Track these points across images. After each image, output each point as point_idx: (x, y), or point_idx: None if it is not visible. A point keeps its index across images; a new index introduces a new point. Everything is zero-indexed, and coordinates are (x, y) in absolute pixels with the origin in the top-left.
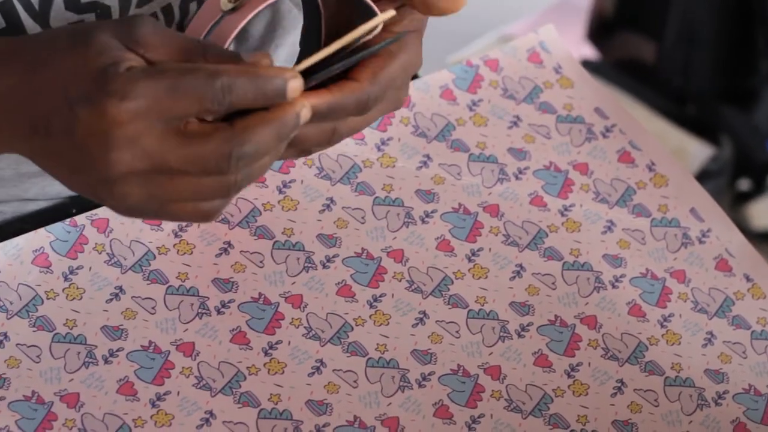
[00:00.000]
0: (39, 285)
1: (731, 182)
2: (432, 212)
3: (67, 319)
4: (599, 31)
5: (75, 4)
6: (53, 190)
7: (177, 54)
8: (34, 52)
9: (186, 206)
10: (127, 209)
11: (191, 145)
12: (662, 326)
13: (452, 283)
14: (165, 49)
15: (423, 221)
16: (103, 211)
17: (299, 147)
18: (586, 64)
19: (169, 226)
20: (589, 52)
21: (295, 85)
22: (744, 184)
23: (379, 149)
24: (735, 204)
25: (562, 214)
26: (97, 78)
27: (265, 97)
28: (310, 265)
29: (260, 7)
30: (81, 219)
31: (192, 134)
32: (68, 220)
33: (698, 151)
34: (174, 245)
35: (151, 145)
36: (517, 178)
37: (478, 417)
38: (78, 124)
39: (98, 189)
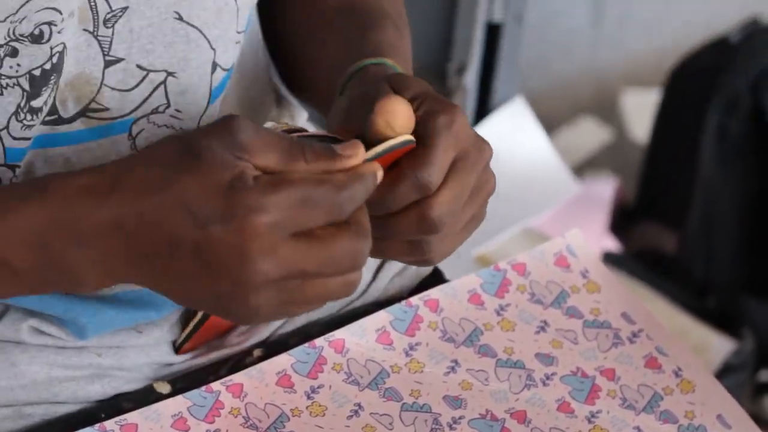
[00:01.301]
0: None
1: (752, 374)
2: (459, 418)
3: None
4: (621, 221)
5: None
6: (84, 394)
7: (280, 156)
8: (140, 177)
9: (309, 307)
10: (257, 319)
11: (325, 248)
12: None
13: None
14: (268, 151)
15: (450, 428)
16: (131, 416)
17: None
18: (608, 257)
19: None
20: (612, 243)
21: (381, 172)
22: (765, 375)
23: (407, 354)
24: (755, 396)
25: (589, 421)
26: (227, 194)
27: (369, 193)
28: None
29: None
30: (110, 424)
31: (322, 237)
32: (97, 425)
33: (720, 345)
34: None
35: (288, 253)
36: (544, 384)
37: None
38: (212, 242)
39: (226, 302)
